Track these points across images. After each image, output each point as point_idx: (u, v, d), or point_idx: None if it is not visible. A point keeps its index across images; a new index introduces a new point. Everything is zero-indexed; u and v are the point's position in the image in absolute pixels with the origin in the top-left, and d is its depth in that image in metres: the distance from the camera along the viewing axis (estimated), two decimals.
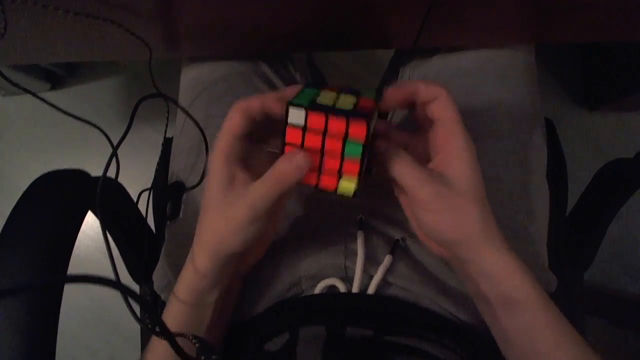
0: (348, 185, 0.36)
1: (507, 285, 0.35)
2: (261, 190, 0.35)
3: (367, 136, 0.33)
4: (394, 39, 0.54)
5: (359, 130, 0.33)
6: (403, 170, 0.35)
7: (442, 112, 0.36)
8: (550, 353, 0.34)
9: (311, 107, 0.34)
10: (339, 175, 0.36)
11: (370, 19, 0.49)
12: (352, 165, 0.35)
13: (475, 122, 0.53)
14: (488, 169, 0.50)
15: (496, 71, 0.55)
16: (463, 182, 0.35)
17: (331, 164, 0.36)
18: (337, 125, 0.33)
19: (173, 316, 0.40)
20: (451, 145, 0.36)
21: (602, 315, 1.09)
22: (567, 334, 0.35)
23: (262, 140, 0.40)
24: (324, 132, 0.34)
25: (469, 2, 0.46)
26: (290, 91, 0.37)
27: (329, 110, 0.33)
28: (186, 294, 0.39)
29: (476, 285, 0.37)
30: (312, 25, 0.50)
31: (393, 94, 0.37)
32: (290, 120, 0.34)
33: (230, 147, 0.37)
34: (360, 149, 0.34)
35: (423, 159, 0.38)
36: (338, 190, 0.37)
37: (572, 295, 0.60)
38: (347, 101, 0.35)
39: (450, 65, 0.57)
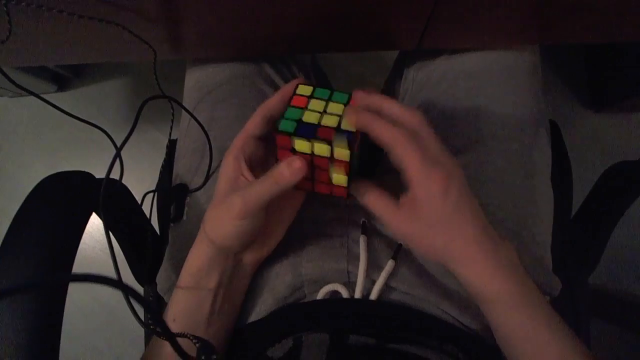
0: (340, 190, 0.40)
1: (485, 298, 0.38)
2: (257, 188, 0.37)
3: (351, 156, 0.36)
4: (397, 40, 0.53)
5: (342, 154, 0.36)
6: (375, 206, 0.39)
7: (401, 162, 0.36)
8: (538, 348, 0.36)
9: (296, 132, 0.36)
10: (330, 183, 0.39)
11: (373, 20, 0.49)
12: (341, 177, 0.38)
13: (480, 124, 0.52)
14: (492, 171, 0.50)
15: (500, 73, 0.55)
16: (427, 221, 0.37)
17: (321, 176, 0.39)
18: (321, 149, 0.36)
19: (174, 302, 0.43)
20: (413, 190, 0.37)
21: (607, 318, 1.08)
22: (545, 333, 0.36)
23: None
24: (312, 153, 0.37)
25: (471, 4, 0.46)
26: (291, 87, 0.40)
27: (313, 134, 0.36)
28: (186, 278, 0.42)
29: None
30: (315, 27, 0.50)
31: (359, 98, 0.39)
32: (279, 144, 0.38)
33: (241, 145, 0.40)
34: (343, 171, 0.38)
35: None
36: (332, 194, 0.41)
37: (577, 299, 0.59)
38: (335, 113, 0.38)
39: (454, 66, 0.57)
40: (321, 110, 0.38)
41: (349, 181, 0.39)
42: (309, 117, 0.37)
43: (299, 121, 0.37)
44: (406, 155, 0.35)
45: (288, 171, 0.36)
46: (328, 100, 0.39)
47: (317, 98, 0.39)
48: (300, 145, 0.37)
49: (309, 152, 0.37)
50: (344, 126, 0.37)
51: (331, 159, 0.37)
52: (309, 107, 0.38)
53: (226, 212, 0.38)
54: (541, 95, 0.56)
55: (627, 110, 1.24)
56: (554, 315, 0.37)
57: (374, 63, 1.32)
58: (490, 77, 0.54)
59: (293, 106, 0.38)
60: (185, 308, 0.42)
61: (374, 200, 0.39)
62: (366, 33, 0.52)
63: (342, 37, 0.54)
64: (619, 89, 1.17)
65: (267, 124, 0.41)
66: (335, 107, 0.38)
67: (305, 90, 0.39)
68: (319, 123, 0.37)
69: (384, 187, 0.40)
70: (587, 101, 1.28)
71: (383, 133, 0.36)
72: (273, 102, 0.41)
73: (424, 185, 0.36)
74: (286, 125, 0.37)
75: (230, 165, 0.40)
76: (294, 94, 0.39)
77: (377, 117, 0.37)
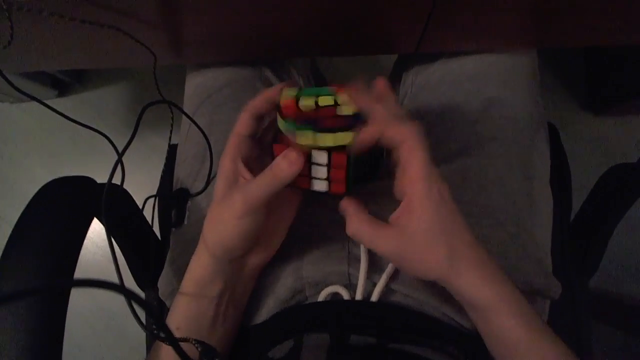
0: (338, 187, 0.40)
1: (478, 306, 0.37)
2: (256, 184, 0.37)
3: (348, 161, 0.37)
4: (396, 44, 0.54)
5: (340, 159, 0.37)
6: (360, 230, 0.38)
7: (406, 158, 0.36)
8: (525, 354, 0.36)
9: (297, 126, 0.37)
10: (329, 180, 0.39)
11: (372, 24, 0.49)
12: (339, 173, 0.38)
13: (478, 127, 0.53)
14: (491, 173, 0.50)
15: (499, 76, 0.55)
16: (424, 228, 0.35)
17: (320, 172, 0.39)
18: (325, 140, 0.37)
19: (176, 309, 0.42)
20: (411, 192, 0.36)
21: (608, 321, 1.08)
22: (542, 335, 0.36)
23: (266, 138, 0.44)
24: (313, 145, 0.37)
25: (469, 8, 0.46)
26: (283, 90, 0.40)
27: (315, 125, 0.37)
28: (189, 285, 0.42)
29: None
30: (315, 31, 0.51)
31: (365, 136, 0.37)
32: (279, 146, 0.38)
33: (236, 146, 0.40)
34: (344, 171, 0.38)
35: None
36: (330, 191, 0.40)
37: (578, 301, 0.59)
38: (327, 104, 0.38)
39: (452, 70, 0.57)
40: (313, 104, 0.38)
41: (348, 175, 0.38)
42: (306, 108, 0.38)
43: (298, 114, 0.37)
44: (410, 154, 0.35)
45: (285, 163, 0.36)
46: (317, 95, 0.38)
47: (306, 95, 0.39)
48: (303, 138, 0.37)
49: (311, 143, 0.37)
50: (343, 111, 0.37)
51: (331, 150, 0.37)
52: (300, 102, 0.38)
53: (227, 211, 0.38)
54: (540, 98, 0.57)
55: (626, 113, 1.24)
56: (545, 324, 0.37)
57: (373, 66, 1.33)
58: (488, 80, 0.55)
59: (286, 118, 0.38)
60: (189, 315, 0.42)
61: (357, 225, 0.38)
62: (365, 37, 0.52)
63: (341, 41, 0.54)
64: (618, 92, 1.18)
65: (256, 122, 0.41)
66: (325, 100, 0.38)
67: (291, 92, 0.39)
68: (317, 114, 0.37)
69: (376, 199, 0.40)
70: (586, 103, 1.29)
71: (393, 130, 0.36)
72: (258, 102, 0.41)
73: (424, 188, 0.35)
74: (289, 126, 0.37)
75: (228, 167, 0.40)
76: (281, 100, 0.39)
77: (382, 110, 0.37)
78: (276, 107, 0.39)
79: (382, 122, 0.36)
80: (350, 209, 0.39)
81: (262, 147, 0.43)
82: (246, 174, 0.40)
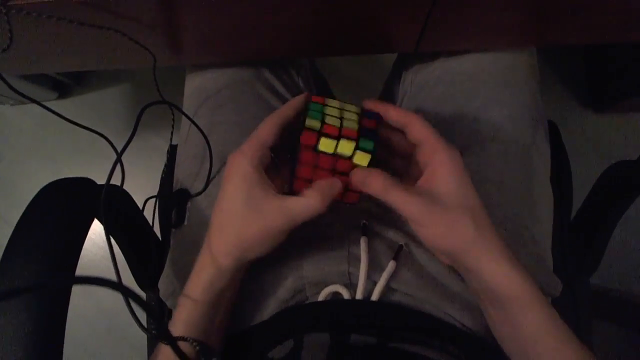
0: (352, 197, 0.41)
1: (505, 295, 0.36)
2: (304, 206, 0.37)
3: (372, 156, 0.38)
4: (395, 43, 0.54)
5: (364, 157, 0.38)
6: (388, 191, 0.37)
7: (420, 134, 0.38)
8: (545, 352, 0.35)
9: (322, 131, 0.38)
10: (345, 189, 0.40)
11: (371, 24, 0.49)
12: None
13: (478, 126, 0.53)
14: (491, 172, 0.50)
15: (498, 74, 0.55)
16: (451, 196, 0.36)
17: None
18: (345, 147, 0.38)
19: (186, 315, 0.41)
20: (434, 161, 0.37)
21: (609, 318, 1.08)
22: (562, 333, 0.36)
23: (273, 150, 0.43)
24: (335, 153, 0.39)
25: (468, 7, 0.46)
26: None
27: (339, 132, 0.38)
28: (203, 292, 0.41)
29: (478, 291, 0.39)
30: (314, 31, 0.51)
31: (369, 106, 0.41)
32: (304, 142, 0.38)
33: (260, 154, 0.39)
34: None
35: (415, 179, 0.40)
36: (344, 200, 0.41)
37: (578, 299, 0.59)
38: (352, 118, 0.40)
39: (452, 69, 0.57)
40: (339, 116, 0.40)
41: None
42: (331, 121, 0.39)
43: (323, 121, 0.38)
44: (424, 129, 0.38)
45: (331, 189, 0.38)
46: (342, 109, 0.41)
47: (331, 106, 0.41)
48: (325, 144, 0.38)
49: (332, 151, 0.38)
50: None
51: (352, 160, 0.38)
52: (327, 112, 0.40)
53: (270, 232, 0.38)
54: (539, 96, 0.57)
55: (627, 110, 1.24)
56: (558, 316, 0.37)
57: (373, 66, 1.33)
58: (488, 79, 0.55)
59: (314, 102, 0.40)
60: (200, 322, 0.41)
61: (386, 183, 0.37)
62: (365, 37, 0.52)
63: (340, 41, 0.54)
64: (618, 89, 1.17)
65: (282, 132, 0.40)
66: (350, 115, 0.40)
67: (318, 99, 0.41)
68: (342, 124, 0.39)
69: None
70: (587, 101, 1.28)
71: (401, 114, 0.39)
72: (288, 111, 0.41)
73: (447, 154, 0.37)
74: (313, 123, 0.38)
75: (252, 176, 0.38)
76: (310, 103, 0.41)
77: (393, 105, 0.40)
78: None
79: (389, 106, 0.40)
80: (370, 172, 0.38)
81: (274, 157, 0.42)
82: (272, 185, 0.40)
